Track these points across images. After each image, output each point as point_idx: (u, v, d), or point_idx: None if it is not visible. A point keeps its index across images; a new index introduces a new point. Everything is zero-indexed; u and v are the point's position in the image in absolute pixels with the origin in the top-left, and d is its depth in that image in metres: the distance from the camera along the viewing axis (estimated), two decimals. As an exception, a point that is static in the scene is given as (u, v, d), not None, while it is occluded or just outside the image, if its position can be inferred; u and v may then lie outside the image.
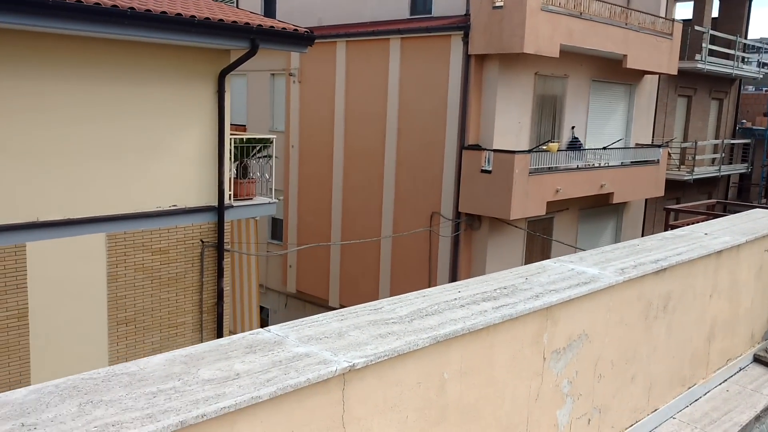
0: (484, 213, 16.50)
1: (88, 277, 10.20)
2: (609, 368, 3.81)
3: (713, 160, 23.98)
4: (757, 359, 5.50)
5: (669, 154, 21.44)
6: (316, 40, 18.89)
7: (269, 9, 23.22)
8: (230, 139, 11.59)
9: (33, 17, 8.23)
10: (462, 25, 16.10)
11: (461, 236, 17.03)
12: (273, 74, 21.01)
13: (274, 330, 2.64)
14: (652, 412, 4.30)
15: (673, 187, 21.55)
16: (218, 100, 11.13)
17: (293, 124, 20.43)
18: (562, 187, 16.77)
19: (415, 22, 18.03)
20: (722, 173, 24.02)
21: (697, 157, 22.53)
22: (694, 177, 21.84)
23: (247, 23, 10.28)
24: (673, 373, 4.50)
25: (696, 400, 4.73)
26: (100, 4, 8.62)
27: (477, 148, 16.39)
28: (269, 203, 12.34)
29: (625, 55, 18.00)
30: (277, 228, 21.73)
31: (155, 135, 10.56)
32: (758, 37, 39.84)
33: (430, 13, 18.41)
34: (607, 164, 18.54)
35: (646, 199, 20.80)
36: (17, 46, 8.92)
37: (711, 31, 22.38)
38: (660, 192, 20.13)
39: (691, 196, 22.85)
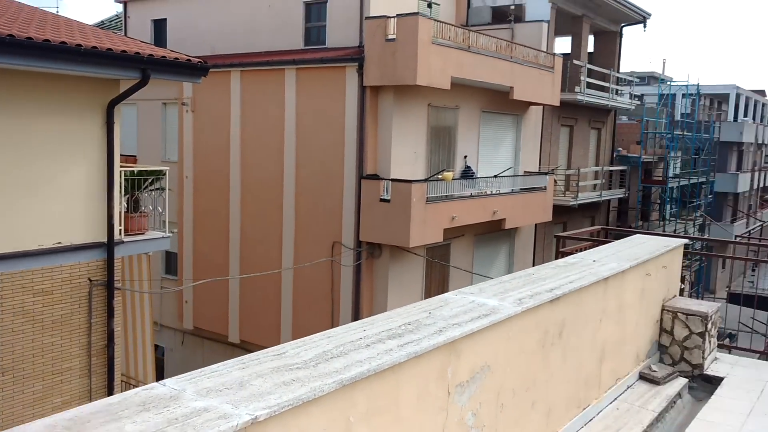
0: (385, 241, 16.65)
1: (-40, 324, 9.40)
2: (511, 397, 3.90)
3: (594, 186, 25.42)
4: (642, 377, 5.81)
5: (555, 180, 22.53)
6: (209, 70, 18.61)
7: (159, 38, 22.66)
8: (120, 171, 11.11)
9: None
10: (356, 56, 16.34)
11: (363, 265, 17.08)
12: (165, 103, 20.43)
13: (170, 383, 2.51)
14: (552, 436, 4.43)
15: (560, 212, 22.63)
16: (107, 132, 10.67)
17: (187, 155, 19.89)
18: (457, 214, 17.21)
19: (309, 53, 18.12)
20: (603, 198, 25.48)
21: (580, 183, 23.81)
22: (579, 202, 23.05)
23: (138, 53, 9.94)
24: (570, 397, 4.66)
25: (590, 420, 4.92)
26: (-27, 32, 8.08)
27: (375, 177, 16.58)
28: (162, 237, 11.88)
29: (511, 87, 18.85)
30: (171, 262, 20.96)
31: (38, 169, 9.95)
32: (628, 71, 42.92)
33: (324, 44, 18.58)
34: (498, 191, 19.23)
35: (536, 224, 21.70)
36: None
37: (588, 65, 23.89)
38: (548, 217, 21.09)
39: (576, 220, 24.08)
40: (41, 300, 10.29)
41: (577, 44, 24.76)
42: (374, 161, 16.76)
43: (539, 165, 22.39)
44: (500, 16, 22.57)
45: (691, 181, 31.22)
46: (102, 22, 25.49)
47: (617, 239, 7.06)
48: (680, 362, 6.21)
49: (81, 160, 10.43)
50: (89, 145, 10.51)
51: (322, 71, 17.16)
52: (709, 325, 6.19)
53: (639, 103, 30.55)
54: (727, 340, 25.20)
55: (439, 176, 17.07)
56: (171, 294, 20.42)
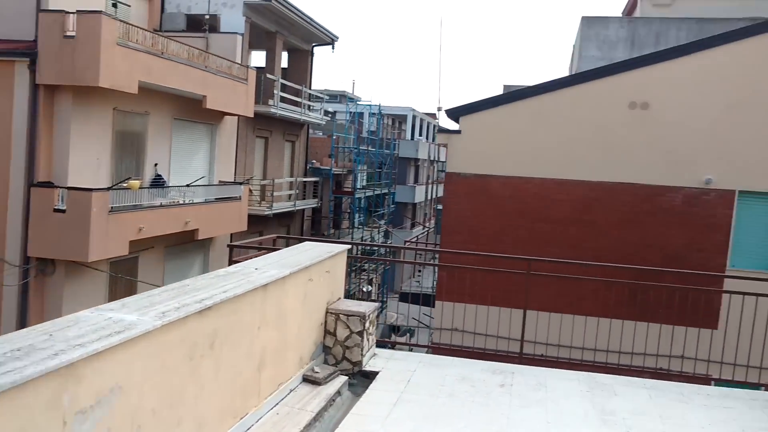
0: (59, 256, 15.10)
1: None
2: (150, 418, 3.70)
3: (289, 196, 26.29)
4: (305, 379, 6.04)
5: (250, 190, 22.76)
6: None
7: None
8: None
9: None
10: (29, 51, 14.61)
11: (31, 284, 15.26)
12: None
13: None
14: (203, 451, 4.33)
15: (256, 221, 22.91)
16: None
17: None
18: (145, 225, 16.34)
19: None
20: (297, 208, 26.47)
21: (275, 194, 24.42)
22: (274, 212, 23.61)
23: None
24: (224, 408, 4.62)
25: (248, 429, 4.94)
26: None
27: (49, 185, 14.95)
28: None
29: (204, 96, 18.56)
30: None
31: None
32: (323, 88, 45.41)
33: (-9, 34, 16.29)
34: (191, 201, 18.75)
35: (232, 234, 21.64)
36: None
37: (281, 80, 24.66)
38: (243, 227, 21.18)
39: (272, 228, 24.61)
40: None
41: (271, 59, 25.39)
42: (48, 167, 15.13)
43: (234, 175, 22.40)
44: (195, 24, 22.13)
45: (376, 192, 34.05)
46: None
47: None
48: (342, 361, 6.60)
49: None
50: None
51: (-16, 64, 14.99)
52: (367, 324, 6.69)
53: (329, 118, 32.47)
54: (407, 336, 27.98)
55: (125, 184, 16.04)
56: None
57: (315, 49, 29.11)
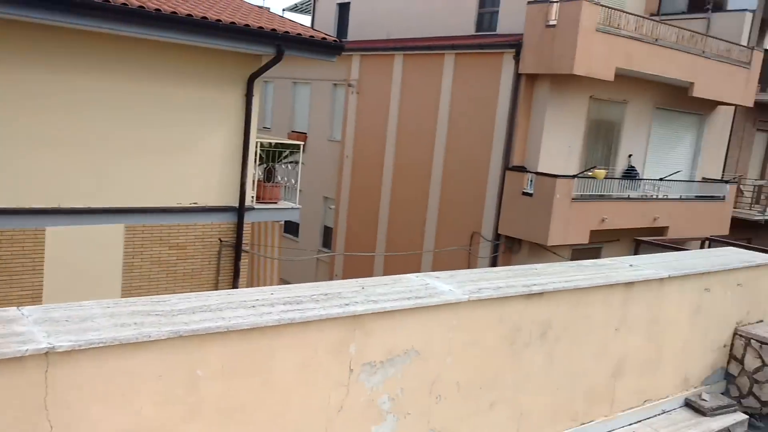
0: (523, 236, 16.11)
1: (104, 266, 10.71)
2: (453, 391, 3.65)
3: (795, 200, 22.29)
4: (687, 404, 5.09)
5: (740, 191, 20.17)
6: (374, 52, 19.19)
7: (342, 21, 23.76)
8: (257, 142, 11.89)
9: (59, 13, 8.78)
10: (515, 43, 15.86)
11: (499, 258, 16.67)
12: (335, 84, 21.40)
13: (25, 309, 2.72)
14: (524, 445, 4.07)
15: (744, 226, 20.22)
16: (246, 104, 11.46)
17: (349, 135, 20.72)
18: (608, 216, 16.11)
19: (471, 38, 17.93)
20: (802, 215, 22.28)
21: (773, 196, 21.06)
22: (766, 217, 20.41)
23: (273, 29, 10.55)
24: (558, 407, 4.24)
25: (592, 440, 4.44)
26: (127, 5, 9.10)
27: (521, 169, 16.05)
28: (292, 208, 12.56)
29: (691, 83, 17.14)
30: (327, 235, 22.04)
31: (181, 133, 10.99)
32: None
33: (495, 30, 18.29)
34: (665, 197, 17.64)
35: (709, 238, 19.55)
36: (51, 41, 9.55)
37: (798, 62, 20.91)
38: (724, 230, 18.93)
39: (763, 238, 21.33)
40: (176, 253, 11.41)
41: (788, 39, 21.77)
42: (522, 153, 16.21)
43: (723, 172, 20.15)
44: (698, 3, 20.51)
45: None
46: (295, 5, 27.24)
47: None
48: (748, 396, 5.34)
49: (221, 128, 11.34)
50: (229, 116, 11.38)
51: (479, 57, 16.91)
52: (793, 360, 5.24)
53: None
54: None
55: (589, 173, 16.06)
56: (325, 265, 21.51)
57: None
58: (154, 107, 10.64)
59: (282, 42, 10.69)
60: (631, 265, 4.78)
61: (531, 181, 15.65)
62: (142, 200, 10.81)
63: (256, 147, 11.87)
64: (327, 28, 22.61)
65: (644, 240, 7.40)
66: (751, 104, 19.04)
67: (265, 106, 24.36)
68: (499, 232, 16.42)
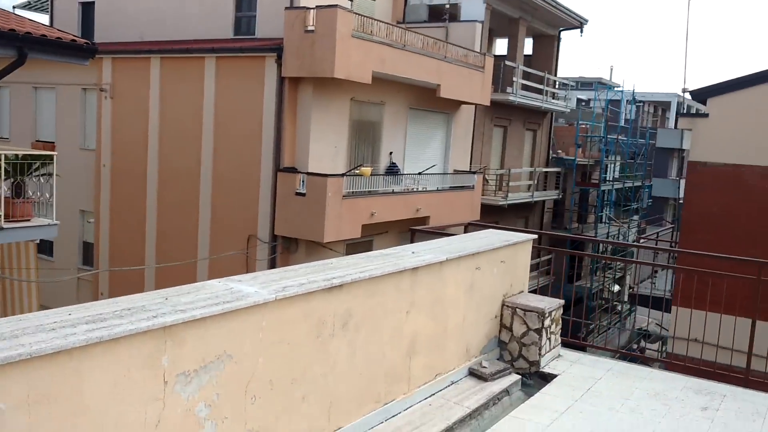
0: (300, 236, 16.43)
1: None
2: (267, 389, 3.72)
3: (528, 186, 25.58)
4: (471, 372, 5.71)
5: (486, 180, 22.60)
6: (127, 55, 18.15)
7: (87, 22, 22.07)
8: (1, 155, 10.64)
9: None
10: (276, 47, 16.07)
11: (278, 259, 16.82)
12: (84, 89, 19.83)
13: None
14: (335, 431, 4.27)
15: (491, 211, 22.69)
16: (-16, 113, 10.21)
17: (105, 142, 19.36)
18: (377, 210, 17.07)
19: (231, 42, 17.79)
20: (536, 199, 25.66)
21: (511, 184, 23.93)
22: (509, 202, 23.16)
23: (12, 29, 9.52)
24: (363, 391, 4.51)
25: (394, 416, 4.78)
26: None
27: (292, 170, 16.34)
28: (49, 225, 11.44)
29: (438, 85, 18.78)
30: (88, 252, 20.38)
31: None
32: (578, 75, 43.44)
33: (254, 35, 18.30)
34: (424, 189, 19.15)
35: (466, 225, 21.65)
36: None
37: (522, 67, 24.01)
38: (475, 216, 21.09)
39: (508, 220, 24.16)
40: None
41: (513, 46, 24.88)
42: (292, 154, 16.52)
43: (470, 164, 22.41)
44: (437, 14, 22.53)
45: (627, 185, 31.67)
46: (28, 2, 24.67)
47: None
48: (518, 359, 6.13)
49: (-46, 140, 9.97)
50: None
51: (242, 61, 16.87)
52: (548, 322, 6.13)
53: (582, 107, 30.90)
54: (660, 344, 25.48)
55: (357, 171, 16.90)
56: (86, 285, 19.86)
57: (562, 34, 27.89)
58: None
59: (24, 44, 9.69)
60: (413, 252, 5.23)
61: (303, 181, 16.01)
62: None
63: (1, 159, 10.63)
64: (70, 27, 20.77)
65: (418, 229, 8.05)
66: (487, 103, 21.44)
67: (0, 114, 21.78)
68: (275, 233, 16.55)
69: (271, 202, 16.56)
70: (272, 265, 16.83)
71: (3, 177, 10.72)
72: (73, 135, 20.10)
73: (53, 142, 19.60)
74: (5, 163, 10.80)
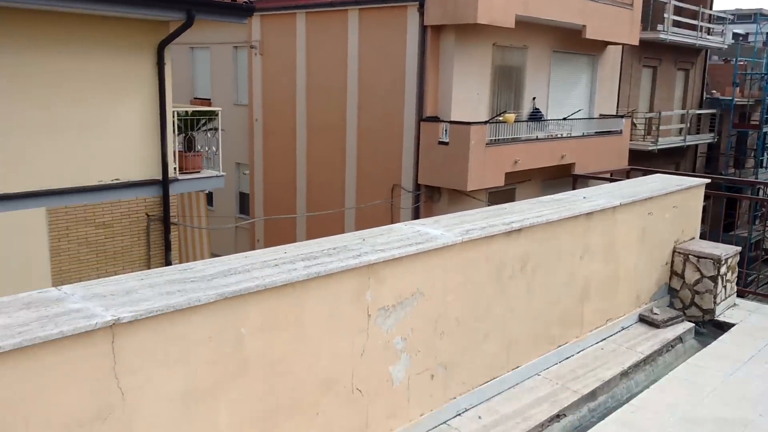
0: (443, 184, 16.60)
1: (30, 252, 10.24)
2: (453, 326, 3.93)
3: (680, 130, 24.08)
4: (642, 319, 5.65)
5: (633, 124, 21.53)
6: (275, 12, 18.83)
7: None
8: (173, 111, 11.57)
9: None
10: (418, -5, 16.02)
11: (421, 208, 17.13)
12: (236, 47, 20.87)
13: (65, 288, 2.73)
14: (513, 369, 4.43)
15: (639, 157, 21.68)
16: (158, 73, 11.11)
17: (256, 98, 20.37)
18: (520, 158, 16.85)
19: (374, -8, 17.93)
20: (688, 143, 24.15)
21: (662, 128, 22.63)
22: (659, 147, 21.98)
23: (181, -6, 10.21)
24: (538, 332, 4.62)
25: (567, 358, 4.87)
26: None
27: (435, 119, 16.43)
28: (217, 176, 12.38)
29: (584, 26, 17.97)
30: (244, 202, 21.77)
31: (95, 108, 10.53)
32: (734, 8, 39.74)
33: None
34: (569, 135, 18.60)
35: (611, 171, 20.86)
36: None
37: (674, 2, 22.34)
38: (623, 162, 20.24)
39: (658, 165, 22.95)
40: (103, 232, 11.04)
41: (665, -21, 23.16)
42: (434, 103, 16.58)
43: (617, 108, 21.41)
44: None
45: (793, 127, 28.91)
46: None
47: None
48: (690, 307, 5.97)
49: (135, 100, 10.95)
50: (142, 86, 11.00)
51: (384, 11, 16.98)
52: (723, 269, 5.89)
53: (733, 41, 28.36)
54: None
55: (500, 118, 16.69)
56: (244, 233, 21.30)
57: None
58: (64, 83, 10.12)
59: (192, 6, 10.37)
60: (584, 197, 5.19)
61: (446, 130, 16.07)
62: (61, 180, 10.34)
63: (173, 116, 11.56)
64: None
65: (580, 175, 7.92)
66: (636, 42, 20.22)
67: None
68: (419, 183, 16.82)
69: (415, 151, 16.78)
70: (415, 214, 17.18)
71: (176, 132, 11.68)
72: (227, 91, 21.31)
73: (209, 99, 20.96)
74: (177, 119, 11.75)
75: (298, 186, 19.70)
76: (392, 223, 17.45)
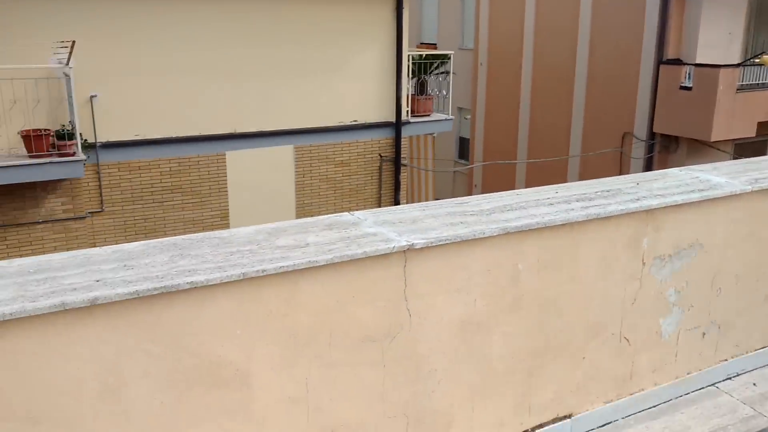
0: (682, 134, 15.26)
1: (279, 185, 11.28)
2: (732, 283, 3.60)
3: None
4: None
5: None
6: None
7: None
8: (408, 56, 11.84)
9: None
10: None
11: (655, 159, 15.96)
12: (464, -9, 20.72)
13: (357, 214, 2.91)
14: (793, 336, 3.99)
15: None
16: (396, 18, 11.38)
17: (482, 42, 20.15)
18: (778, 105, 14.90)
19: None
20: None
21: None
22: None
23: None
24: (826, 298, 4.09)
25: None
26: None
27: (677, 62, 15.03)
28: (446, 119, 12.54)
29: None
30: (464, 147, 21.93)
31: (339, 52, 11.13)
32: None
33: None
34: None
35: None
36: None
37: None
38: None
39: None
40: (341, 170, 11.80)
41: None
42: (677, 44, 15.14)
43: None
44: None
45: None
46: None
47: None
48: None
49: (374, 45, 11.36)
50: (381, 31, 11.36)
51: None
52: None
53: None
54: None
55: (757, 60, 14.79)
56: (462, 177, 21.54)
57: None
58: (309, 31, 10.79)
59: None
60: None
61: (689, 73, 14.65)
62: (307, 121, 11.16)
63: (408, 61, 11.83)
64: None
65: None
66: None
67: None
68: (653, 131, 15.64)
69: (651, 97, 15.56)
70: (647, 165, 16.06)
71: (410, 76, 11.97)
72: (454, 36, 21.33)
73: (435, 44, 21.16)
74: (411, 63, 12.01)
75: (520, 132, 19.34)
76: (620, 174, 16.52)
